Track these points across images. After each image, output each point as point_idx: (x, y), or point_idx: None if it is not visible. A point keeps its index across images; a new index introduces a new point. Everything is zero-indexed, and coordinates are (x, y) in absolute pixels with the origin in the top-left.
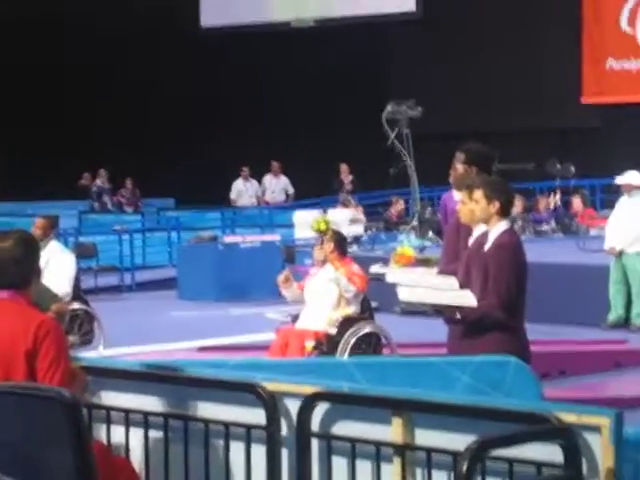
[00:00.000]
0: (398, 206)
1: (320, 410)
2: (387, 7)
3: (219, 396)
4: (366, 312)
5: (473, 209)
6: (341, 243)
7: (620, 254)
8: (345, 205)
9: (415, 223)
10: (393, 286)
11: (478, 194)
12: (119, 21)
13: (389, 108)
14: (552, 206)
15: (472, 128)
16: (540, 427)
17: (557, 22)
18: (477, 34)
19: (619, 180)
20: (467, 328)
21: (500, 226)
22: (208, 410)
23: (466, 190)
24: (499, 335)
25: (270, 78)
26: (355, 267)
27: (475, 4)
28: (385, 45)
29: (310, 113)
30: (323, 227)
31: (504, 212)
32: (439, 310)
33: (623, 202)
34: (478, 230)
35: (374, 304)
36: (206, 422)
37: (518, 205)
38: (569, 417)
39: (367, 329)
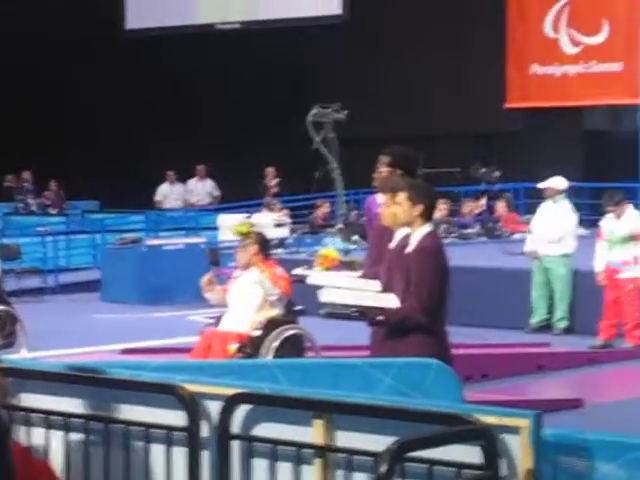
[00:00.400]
0: (323, 209)
1: (241, 412)
2: (313, 10)
3: (140, 398)
4: (290, 315)
5: (396, 212)
6: (265, 245)
7: (542, 257)
8: (270, 208)
9: (340, 226)
10: (318, 289)
11: (401, 197)
12: (36, 23)
13: (314, 111)
14: (477, 211)
15: (398, 132)
16: (460, 428)
17: (482, 27)
18: (403, 38)
19: (542, 184)
20: (389, 330)
21: (423, 229)
22: (129, 412)
23: (389, 193)
24: (421, 338)
25: (196, 81)
26: (279, 270)
27: (401, 9)
28: (312, 48)
29: (236, 116)
30: (245, 230)
31: (427, 215)
32: (362, 312)
33: (545, 206)
34: (401, 233)
35: (299, 307)
36: (127, 424)
37: (443, 209)
38: (489, 419)
39: (291, 331)
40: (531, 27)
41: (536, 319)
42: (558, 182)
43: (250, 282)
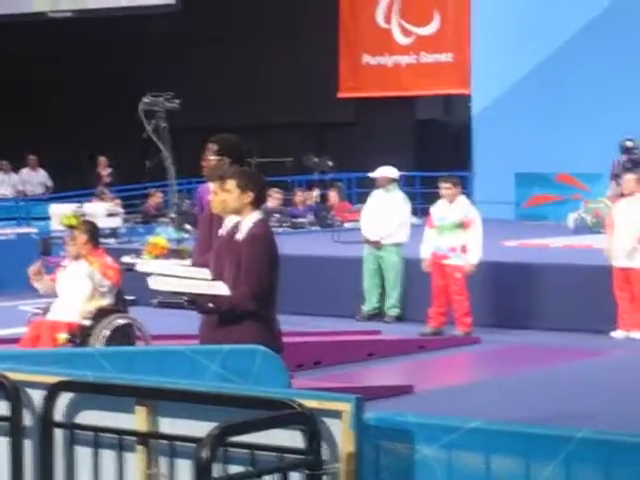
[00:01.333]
0: (156, 199)
1: (64, 400)
2: None
3: None
4: (120, 304)
5: (226, 199)
6: (94, 234)
7: (377, 246)
8: (101, 198)
9: (173, 215)
10: (149, 277)
11: (231, 184)
12: None
13: (146, 100)
14: (311, 202)
15: (230, 121)
16: (282, 413)
17: (315, 16)
18: (236, 26)
19: (373, 174)
20: (219, 318)
21: (253, 217)
22: None
23: (218, 180)
24: (251, 325)
25: (29, 69)
26: (108, 259)
27: None
28: (145, 36)
29: (68, 104)
30: (74, 222)
31: (257, 203)
32: (192, 300)
33: (377, 195)
34: (230, 220)
35: (131, 297)
36: None
37: (277, 198)
38: (311, 403)
39: (120, 321)
40: (363, 17)
41: (368, 307)
42: (389, 171)
43: (79, 273)
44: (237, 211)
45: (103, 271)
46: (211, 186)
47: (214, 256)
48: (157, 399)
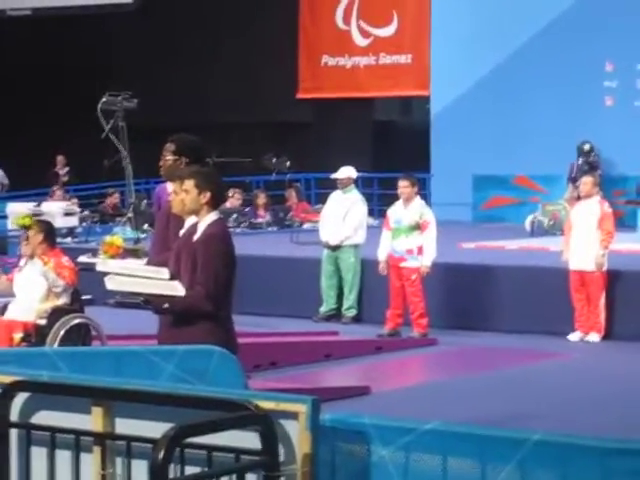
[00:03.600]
0: (114, 198)
1: (20, 400)
2: None
3: None
4: (76, 304)
5: (183, 199)
6: (50, 234)
7: (335, 247)
8: (59, 197)
9: (130, 215)
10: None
11: (189, 184)
12: None
13: (104, 99)
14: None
15: (189, 121)
16: (238, 414)
17: (274, 18)
18: (195, 27)
19: (336, 175)
20: (175, 318)
21: (210, 217)
22: None
23: (177, 180)
24: (206, 325)
25: None
26: (64, 259)
27: None
28: (103, 35)
29: (27, 103)
30: (27, 222)
31: (214, 203)
32: (147, 300)
33: (336, 196)
34: (190, 221)
35: (88, 297)
36: None
37: (237, 199)
38: (267, 404)
39: (77, 320)
40: (322, 18)
41: (325, 308)
42: (350, 172)
43: (35, 273)
44: (194, 211)
45: (57, 271)
46: (170, 186)
47: (173, 256)
48: (113, 400)
